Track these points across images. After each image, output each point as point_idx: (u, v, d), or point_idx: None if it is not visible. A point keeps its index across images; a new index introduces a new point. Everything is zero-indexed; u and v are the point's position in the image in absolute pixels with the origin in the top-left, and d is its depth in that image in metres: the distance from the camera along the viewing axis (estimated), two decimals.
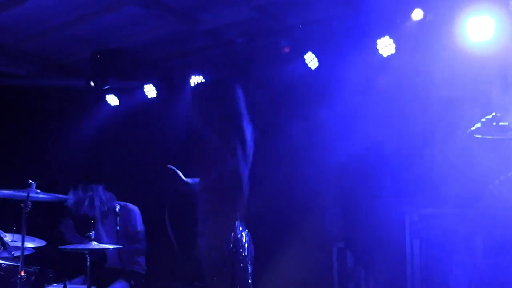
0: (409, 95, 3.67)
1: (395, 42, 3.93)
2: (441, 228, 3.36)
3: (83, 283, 3.87)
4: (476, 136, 2.16)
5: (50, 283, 3.63)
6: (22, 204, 3.27)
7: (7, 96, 5.84)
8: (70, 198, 4.08)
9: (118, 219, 3.94)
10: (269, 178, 4.46)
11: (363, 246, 3.72)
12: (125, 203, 4.26)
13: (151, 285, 4.22)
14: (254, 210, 4.47)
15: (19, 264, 3.21)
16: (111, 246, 3.64)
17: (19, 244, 3.35)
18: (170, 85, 5.23)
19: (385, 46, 3.99)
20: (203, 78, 4.96)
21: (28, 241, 3.83)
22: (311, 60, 4.38)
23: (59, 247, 3.57)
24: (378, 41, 4.00)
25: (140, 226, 4.21)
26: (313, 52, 4.35)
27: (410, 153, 3.64)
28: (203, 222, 2.57)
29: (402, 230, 3.49)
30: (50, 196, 3.35)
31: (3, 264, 3.48)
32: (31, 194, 3.21)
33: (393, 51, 3.96)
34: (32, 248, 3.82)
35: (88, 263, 3.51)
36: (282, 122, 4.51)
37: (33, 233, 3.96)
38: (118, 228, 3.89)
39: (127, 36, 4.89)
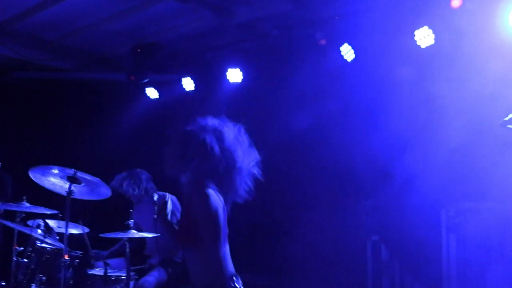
0: (447, 87, 3.58)
1: (434, 32, 3.83)
2: (479, 223, 3.27)
3: (120, 265, 4.01)
4: (508, 126, 2.09)
5: (92, 267, 3.80)
6: (66, 191, 3.42)
7: (53, 89, 6.12)
8: (113, 180, 4.28)
9: (155, 208, 4.05)
10: (303, 171, 4.48)
11: (398, 240, 3.68)
12: (164, 193, 4.39)
13: (187, 273, 4.32)
14: (291, 203, 4.53)
15: (63, 248, 3.37)
16: (149, 235, 3.76)
17: (64, 230, 3.52)
18: (207, 78, 5.31)
19: (424, 37, 3.90)
20: (240, 70, 5.02)
21: (72, 227, 4.03)
22: (347, 52, 4.34)
23: (99, 234, 3.72)
24: (416, 32, 3.92)
25: (179, 216, 4.32)
26: (349, 44, 4.31)
27: (448, 145, 3.56)
28: None
29: (438, 224, 3.43)
30: (90, 180, 3.48)
31: (48, 248, 3.66)
32: (72, 174, 3.36)
33: (432, 42, 3.87)
34: (76, 233, 4.01)
35: (128, 250, 3.65)
36: (318, 114, 4.50)
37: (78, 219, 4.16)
38: (155, 216, 4.00)
39: (165, 30, 5.00)
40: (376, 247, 3.79)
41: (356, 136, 4.05)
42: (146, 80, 5.41)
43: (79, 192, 3.57)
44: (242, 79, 5.03)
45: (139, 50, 5.21)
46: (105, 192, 3.66)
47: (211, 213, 2.27)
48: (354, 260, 3.90)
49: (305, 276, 4.11)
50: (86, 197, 3.69)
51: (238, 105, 5.06)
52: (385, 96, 4.06)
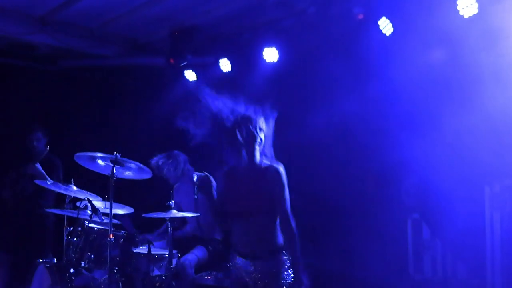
0: (489, 58, 3.41)
1: (477, 1, 3.64)
2: None
3: (165, 247, 4.15)
4: None
5: (137, 246, 3.96)
6: (109, 173, 3.56)
7: (96, 75, 6.31)
8: (152, 162, 4.42)
9: (195, 188, 4.15)
10: (344, 149, 4.42)
11: (439, 218, 3.59)
12: (203, 173, 4.47)
13: (227, 251, 4.41)
14: (332, 181, 4.51)
15: (108, 228, 3.53)
16: (190, 215, 3.86)
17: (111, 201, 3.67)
18: (244, 58, 5.31)
19: (467, 6, 3.71)
20: (276, 49, 4.98)
21: (118, 207, 4.20)
22: (385, 26, 4.21)
23: (142, 215, 3.86)
24: (459, 1, 3.74)
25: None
26: (387, 17, 4.17)
27: (492, 119, 3.41)
28: None
29: (482, 201, 3.31)
30: (133, 164, 3.60)
31: (95, 228, 3.84)
32: (115, 158, 3.48)
33: (476, 11, 3.68)
34: (121, 214, 4.19)
35: (170, 229, 3.77)
36: (358, 90, 4.42)
37: (123, 201, 4.34)
38: (195, 197, 4.10)
39: (202, 12, 5.02)
40: (417, 225, 3.72)
41: (396, 113, 3.94)
42: (184, 63, 5.47)
43: (122, 174, 3.70)
44: (278, 58, 4.99)
45: (176, 34, 5.28)
46: (146, 174, 3.78)
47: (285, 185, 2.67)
48: (395, 239, 3.85)
49: (344, 254, 4.11)
50: (128, 178, 3.82)
51: (275, 85, 5.04)
52: (425, 69, 3.92)
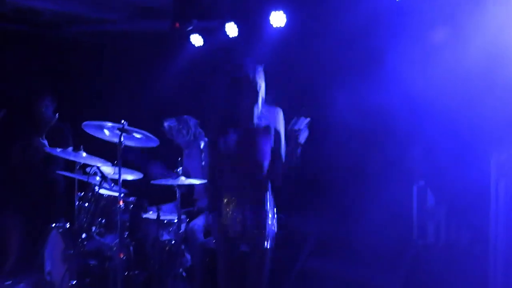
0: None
1: None
2: None
3: (173, 211, 4.24)
4: None
5: (146, 211, 4.05)
6: (117, 141, 3.60)
7: (101, 40, 6.27)
8: (163, 126, 4.46)
9: (203, 155, 4.20)
10: (351, 113, 4.41)
11: (445, 185, 3.61)
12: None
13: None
14: (336, 145, 4.52)
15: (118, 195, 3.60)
16: (197, 181, 3.92)
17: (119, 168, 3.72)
18: (250, 22, 5.22)
19: None
20: (284, 13, 4.89)
21: (127, 173, 4.27)
22: None
23: (151, 181, 3.92)
24: None
25: None
26: None
27: (504, 87, 3.36)
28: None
29: (488, 169, 3.31)
30: (140, 133, 3.63)
31: (105, 195, 3.93)
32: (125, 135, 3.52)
33: None
34: (130, 180, 4.26)
35: (178, 196, 3.85)
36: (368, 54, 4.36)
37: (131, 166, 4.40)
38: (203, 163, 4.16)
39: None
40: (422, 192, 3.75)
41: (403, 78, 3.90)
42: (190, 28, 5.40)
43: (129, 141, 3.74)
44: (285, 23, 4.91)
45: None
46: (153, 142, 3.81)
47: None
48: (399, 205, 3.89)
49: (348, 220, 4.17)
50: (136, 145, 3.86)
51: (282, 51, 4.98)
52: (432, 37, 3.84)
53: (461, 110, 3.50)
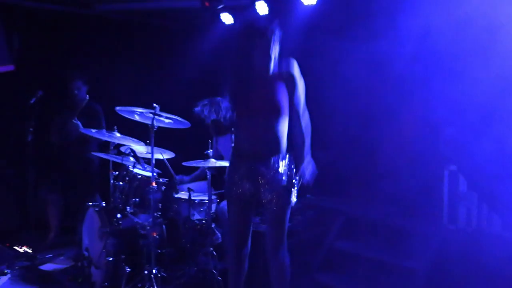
0: None
1: None
2: None
3: (204, 190, 4.33)
4: None
5: (178, 192, 4.15)
6: (149, 125, 3.67)
7: (132, 18, 6.31)
8: (196, 106, 4.51)
9: (233, 137, 4.24)
10: (383, 96, 4.34)
11: (477, 170, 3.55)
12: None
13: None
14: (369, 127, 4.48)
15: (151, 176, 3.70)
16: (226, 163, 3.97)
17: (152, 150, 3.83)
18: (281, 0, 5.15)
19: None
20: None
21: (159, 152, 4.36)
22: None
23: (182, 163, 4.01)
24: None
25: None
26: None
27: None
28: None
29: None
30: (171, 119, 3.69)
31: (138, 176, 4.04)
32: (156, 118, 3.59)
33: None
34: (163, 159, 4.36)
35: (208, 176, 3.93)
36: (400, 33, 4.25)
37: (164, 145, 4.50)
38: (232, 145, 4.20)
39: None
40: (454, 177, 3.70)
41: (435, 65, 3.80)
42: (221, 6, 5.38)
43: (162, 123, 3.81)
44: (317, 1, 4.82)
45: None
46: (184, 124, 3.87)
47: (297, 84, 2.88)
48: (430, 190, 3.85)
49: (378, 202, 4.16)
50: (168, 126, 3.93)
51: (313, 30, 4.90)
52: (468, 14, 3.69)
53: (496, 95, 3.40)
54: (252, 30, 2.83)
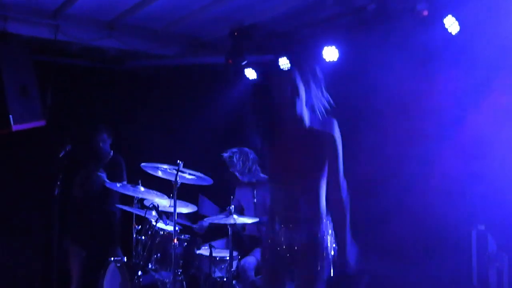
0: None
1: None
2: None
3: (225, 247, 4.30)
4: None
5: (199, 248, 4.13)
6: (172, 182, 3.72)
7: (160, 73, 6.55)
8: (225, 152, 4.56)
9: (255, 192, 4.25)
10: (411, 153, 4.30)
11: (506, 230, 3.42)
12: (266, 176, 4.55)
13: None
14: (395, 190, 4.42)
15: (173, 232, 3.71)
16: (249, 220, 3.96)
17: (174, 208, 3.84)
18: (303, 57, 5.27)
19: None
20: (336, 48, 4.90)
21: (182, 206, 4.40)
22: (451, 24, 4.01)
23: (204, 219, 4.01)
24: None
25: None
26: (453, 16, 3.97)
27: None
28: None
29: None
30: (194, 175, 3.74)
31: (160, 232, 4.05)
32: (179, 174, 3.64)
33: None
34: (186, 212, 4.39)
35: (230, 233, 3.91)
36: (420, 92, 4.27)
37: (187, 198, 4.53)
38: (254, 200, 4.20)
39: (260, 12, 5.04)
40: (482, 237, 3.57)
41: (463, 114, 3.78)
42: (244, 62, 5.53)
43: (185, 179, 3.86)
44: (338, 57, 4.91)
45: (236, 33, 5.33)
46: (207, 181, 3.90)
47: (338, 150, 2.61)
48: (458, 250, 3.72)
49: (405, 262, 4.04)
50: (191, 182, 3.97)
51: (336, 84, 4.96)
52: (495, 70, 3.71)
53: None
54: (280, 81, 2.70)
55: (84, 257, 4.96)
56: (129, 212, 4.56)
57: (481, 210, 3.60)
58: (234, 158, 4.53)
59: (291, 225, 2.57)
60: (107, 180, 4.79)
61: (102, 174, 4.87)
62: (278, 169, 2.64)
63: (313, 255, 2.53)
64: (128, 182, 4.90)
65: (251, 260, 4.14)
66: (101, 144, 5.06)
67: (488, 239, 3.54)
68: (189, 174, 3.69)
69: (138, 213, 4.25)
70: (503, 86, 3.64)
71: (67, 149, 4.83)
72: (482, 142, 3.59)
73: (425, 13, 4.26)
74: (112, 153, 5.10)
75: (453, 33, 4.01)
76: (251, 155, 4.62)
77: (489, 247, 3.53)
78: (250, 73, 5.85)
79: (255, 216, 4.17)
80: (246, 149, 4.66)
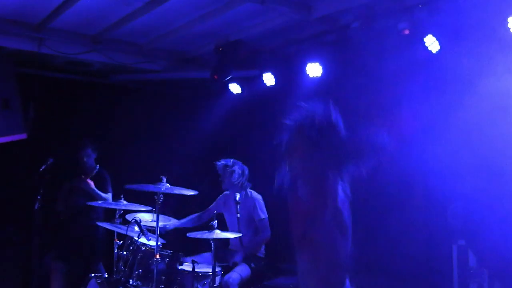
0: None
1: None
2: None
3: (208, 262, 4.26)
4: None
5: (182, 263, 4.09)
6: (155, 196, 3.71)
7: (147, 88, 6.55)
8: (220, 162, 4.55)
9: (238, 207, 4.24)
10: (388, 171, 4.35)
11: (486, 245, 3.47)
12: (250, 191, 4.55)
13: (270, 267, 4.48)
14: (377, 205, 4.45)
15: (154, 248, 3.68)
16: (233, 235, 3.95)
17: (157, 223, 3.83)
18: (287, 73, 5.33)
19: None
20: (320, 65, 4.96)
21: (164, 220, 4.37)
22: (431, 43, 4.10)
23: (187, 234, 3.98)
24: (510, 19, 3.59)
25: (263, 214, 4.47)
26: (433, 35, 4.06)
27: None
28: None
29: None
30: (177, 191, 3.73)
31: (142, 248, 4.01)
32: (162, 189, 3.63)
33: None
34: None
35: (213, 248, 3.88)
36: (402, 109, 4.33)
37: (169, 213, 4.52)
38: (238, 215, 4.19)
39: (246, 28, 5.09)
40: (463, 252, 3.61)
41: (443, 135, 3.84)
42: (229, 77, 5.56)
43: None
44: (322, 73, 4.98)
45: (221, 49, 5.37)
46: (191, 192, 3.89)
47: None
48: (439, 266, 3.76)
49: (387, 279, 4.06)
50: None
51: (319, 100, 5.02)
52: (473, 88, 3.79)
53: (505, 170, 3.40)
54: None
55: (65, 272, 4.87)
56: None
57: (461, 225, 3.64)
58: (232, 168, 4.52)
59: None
60: (94, 188, 4.75)
61: (90, 182, 4.82)
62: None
63: None
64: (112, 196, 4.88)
65: (234, 276, 4.11)
66: (85, 159, 5.02)
67: (469, 254, 3.58)
68: (174, 190, 3.68)
69: (119, 230, 4.19)
70: (481, 103, 3.71)
71: (49, 163, 4.79)
72: (462, 157, 3.65)
73: (407, 32, 4.36)
74: (98, 168, 5.05)
75: (433, 51, 4.10)
76: (246, 170, 4.62)
77: (469, 262, 3.57)
78: (235, 88, 5.90)
79: (238, 231, 4.16)
80: (240, 163, 4.67)
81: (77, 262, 4.83)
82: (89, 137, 5.21)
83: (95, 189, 4.81)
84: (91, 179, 4.98)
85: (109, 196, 4.97)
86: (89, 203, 4.53)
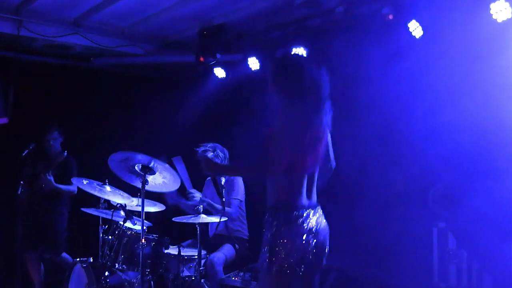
0: None
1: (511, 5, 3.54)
2: None
3: (193, 246, 4.29)
4: None
5: (167, 248, 4.11)
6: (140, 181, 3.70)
7: (129, 71, 6.47)
8: (200, 148, 4.54)
9: (223, 190, 4.25)
10: (371, 156, 4.41)
11: (466, 228, 3.57)
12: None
13: (254, 248, 4.52)
14: (355, 188, 4.51)
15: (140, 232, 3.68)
16: (217, 220, 3.97)
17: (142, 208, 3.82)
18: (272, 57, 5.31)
19: (500, 10, 3.62)
20: (304, 49, 4.96)
21: (150, 205, 4.37)
22: (415, 29, 4.13)
23: (172, 219, 4.00)
24: (492, 5, 3.64)
25: (242, 197, 4.51)
26: (417, 20, 4.09)
27: None
28: None
29: (511, 213, 3.27)
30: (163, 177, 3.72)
31: (128, 232, 4.02)
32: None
33: (509, 16, 3.59)
34: (154, 211, 4.36)
35: (198, 231, 3.91)
36: (384, 95, 4.38)
37: (156, 198, 4.50)
38: (223, 199, 4.20)
39: (230, 11, 5.05)
40: (443, 234, 3.71)
41: (424, 118, 3.90)
42: (214, 61, 5.53)
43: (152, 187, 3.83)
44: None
45: (205, 32, 5.33)
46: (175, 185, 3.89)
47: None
48: (420, 247, 3.85)
49: (368, 259, 4.14)
50: (158, 190, 3.95)
51: None
52: (457, 74, 3.85)
53: (486, 152, 3.47)
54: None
55: (39, 261, 4.80)
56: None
57: (442, 208, 3.72)
58: (213, 152, 4.52)
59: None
60: (55, 184, 4.64)
61: (50, 177, 4.62)
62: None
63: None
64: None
65: (219, 256, 4.14)
66: (51, 142, 4.85)
67: (449, 236, 3.67)
68: (158, 173, 3.67)
69: (104, 215, 4.18)
70: (464, 88, 3.77)
71: (31, 148, 4.70)
72: (445, 140, 3.72)
73: (391, 17, 4.38)
74: (65, 154, 4.74)
75: (417, 37, 4.14)
76: (224, 152, 4.62)
77: (449, 244, 3.66)
78: (219, 72, 5.87)
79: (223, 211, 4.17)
80: (220, 146, 4.67)
81: (44, 249, 4.75)
82: (56, 120, 5.05)
83: (57, 185, 4.67)
84: (57, 165, 4.77)
85: (73, 187, 4.79)
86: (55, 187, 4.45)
